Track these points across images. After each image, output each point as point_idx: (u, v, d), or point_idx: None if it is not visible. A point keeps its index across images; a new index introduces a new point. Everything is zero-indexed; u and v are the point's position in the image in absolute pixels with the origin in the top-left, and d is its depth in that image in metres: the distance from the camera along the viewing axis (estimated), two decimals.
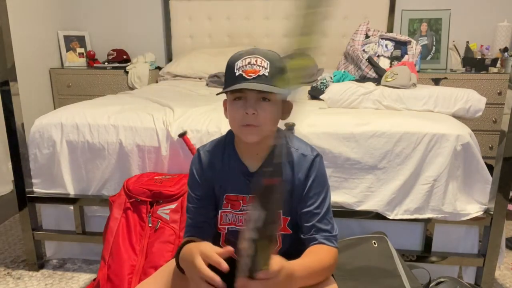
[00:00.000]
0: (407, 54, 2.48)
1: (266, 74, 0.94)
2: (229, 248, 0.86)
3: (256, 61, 0.95)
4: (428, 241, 1.67)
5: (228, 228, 1.09)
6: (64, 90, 3.47)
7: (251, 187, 1.01)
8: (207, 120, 1.72)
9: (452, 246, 1.70)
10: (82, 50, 3.68)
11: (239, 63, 0.95)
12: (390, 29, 3.35)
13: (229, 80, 0.97)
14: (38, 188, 1.85)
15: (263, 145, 1.03)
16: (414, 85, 2.01)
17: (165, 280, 1.04)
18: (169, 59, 3.64)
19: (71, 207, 1.84)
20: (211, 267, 0.86)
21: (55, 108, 2.89)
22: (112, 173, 1.77)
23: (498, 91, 2.98)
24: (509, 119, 1.54)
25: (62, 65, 3.63)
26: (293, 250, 1.02)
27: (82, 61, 3.67)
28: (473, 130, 1.64)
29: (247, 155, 1.05)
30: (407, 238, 1.70)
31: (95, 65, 3.60)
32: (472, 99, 1.84)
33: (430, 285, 1.48)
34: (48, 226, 1.92)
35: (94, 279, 1.65)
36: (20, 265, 1.95)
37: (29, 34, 3.21)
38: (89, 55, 3.68)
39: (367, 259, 1.48)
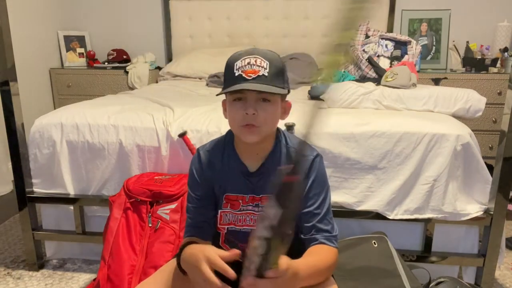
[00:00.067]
0: (407, 54, 2.48)
1: (266, 74, 0.94)
2: (235, 251, 0.86)
3: (255, 61, 0.95)
4: (428, 241, 1.67)
5: (227, 228, 1.09)
6: (64, 90, 3.47)
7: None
8: (207, 120, 1.72)
9: (452, 246, 1.70)
10: (82, 50, 3.68)
11: (238, 64, 0.95)
12: (390, 29, 3.34)
13: (229, 80, 0.97)
14: (38, 188, 1.85)
15: (263, 145, 1.03)
16: (414, 85, 2.01)
17: (165, 280, 1.04)
18: (169, 59, 3.64)
19: (71, 207, 1.84)
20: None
21: (55, 108, 2.89)
22: (112, 173, 1.77)
23: (498, 91, 2.98)
24: (509, 119, 1.54)
25: (62, 65, 3.63)
26: (292, 250, 1.02)
27: (82, 61, 3.67)
28: (473, 130, 1.64)
29: (246, 155, 1.05)
30: (407, 238, 1.70)
31: (95, 65, 3.60)
32: (472, 99, 1.84)
33: (430, 285, 1.48)
34: (48, 226, 1.92)
35: (94, 279, 1.65)
36: (20, 265, 1.95)
37: (29, 34, 3.21)
38: (89, 55, 3.68)
39: (367, 259, 1.48)
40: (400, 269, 1.45)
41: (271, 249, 0.76)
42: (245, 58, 0.95)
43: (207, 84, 2.93)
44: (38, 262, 1.91)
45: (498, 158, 1.59)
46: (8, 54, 1.70)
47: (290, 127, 1.59)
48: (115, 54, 3.59)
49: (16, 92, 1.75)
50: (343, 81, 2.18)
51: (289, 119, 1.58)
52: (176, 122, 1.72)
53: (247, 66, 0.94)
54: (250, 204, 1.06)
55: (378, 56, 2.48)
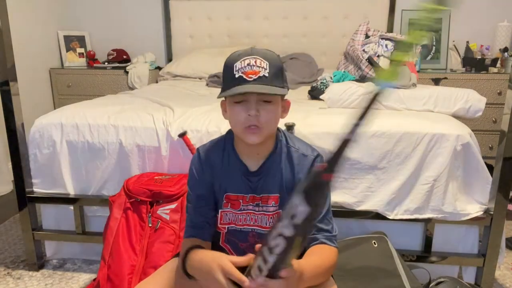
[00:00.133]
0: None
1: (266, 74, 0.94)
2: (249, 256, 0.85)
3: (255, 62, 0.94)
4: (428, 241, 1.67)
5: (228, 227, 1.09)
6: (64, 90, 3.47)
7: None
8: (207, 120, 1.72)
9: (452, 246, 1.70)
10: (82, 50, 3.68)
11: (238, 65, 0.95)
12: (390, 29, 3.35)
13: (229, 82, 0.96)
14: (38, 188, 1.85)
15: (263, 145, 1.03)
16: (414, 85, 2.01)
17: (165, 280, 1.04)
18: (169, 59, 3.64)
19: (71, 207, 1.84)
20: None
21: (55, 108, 2.88)
22: (112, 173, 1.77)
23: (498, 91, 2.98)
24: (509, 119, 1.54)
25: (62, 65, 3.63)
26: None
27: (82, 61, 3.67)
28: (473, 130, 1.64)
29: (247, 154, 1.05)
30: (407, 238, 1.70)
31: (95, 65, 3.60)
32: (472, 99, 1.84)
33: (430, 285, 1.48)
34: (48, 226, 1.92)
35: (94, 279, 1.65)
36: (20, 265, 1.95)
37: (29, 34, 3.21)
38: (89, 55, 3.68)
39: (367, 259, 1.48)
40: (400, 269, 1.45)
41: (292, 248, 0.75)
42: (245, 59, 0.95)
43: (207, 84, 2.93)
44: (38, 262, 1.91)
45: (498, 158, 1.59)
46: (8, 54, 1.70)
47: (290, 127, 1.60)
48: (115, 54, 3.59)
49: (16, 92, 1.75)
50: (343, 81, 2.18)
51: (289, 119, 1.59)
52: (176, 122, 1.72)
53: (247, 67, 0.94)
54: (251, 203, 1.06)
55: (378, 56, 2.47)
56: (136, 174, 1.72)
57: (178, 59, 3.39)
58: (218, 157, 1.07)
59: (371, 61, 2.34)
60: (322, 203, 0.73)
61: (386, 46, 2.50)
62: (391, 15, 3.34)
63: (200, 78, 3.15)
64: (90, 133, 1.76)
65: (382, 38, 2.54)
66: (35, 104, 3.05)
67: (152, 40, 3.67)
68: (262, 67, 0.94)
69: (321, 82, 2.29)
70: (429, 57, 3.36)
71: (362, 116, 0.70)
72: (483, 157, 1.63)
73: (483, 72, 3.07)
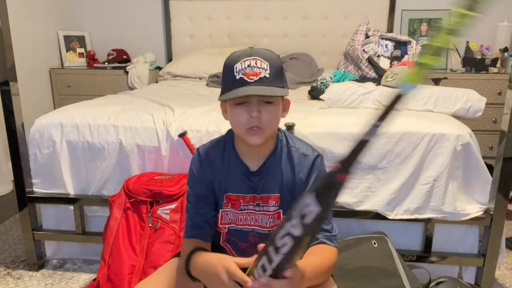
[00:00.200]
0: (407, 54, 2.48)
1: (267, 75, 0.93)
2: (254, 257, 0.85)
3: (256, 63, 0.94)
4: (428, 241, 1.67)
5: (228, 227, 1.09)
6: (64, 90, 3.47)
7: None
8: (207, 120, 1.72)
9: (452, 246, 1.70)
10: (82, 50, 3.68)
11: (238, 66, 0.94)
12: (390, 29, 3.35)
13: (229, 84, 0.96)
14: (38, 188, 1.85)
15: (264, 145, 1.03)
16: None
17: (165, 280, 1.04)
18: (169, 59, 3.64)
19: (71, 207, 1.84)
20: None
21: (55, 108, 2.88)
22: (112, 173, 1.77)
23: (498, 91, 2.98)
24: (509, 119, 1.54)
25: (62, 65, 3.63)
26: None
27: (82, 61, 3.67)
28: (473, 130, 1.64)
29: (247, 154, 1.05)
30: (407, 238, 1.70)
31: (95, 65, 3.60)
32: (472, 99, 1.84)
33: (430, 285, 1.48)
34: (48, 226, 1.92)
35: (94, 279, 1.65)
36: (20, 265, 1.95)
37: (29, 34, 3.21)
38: (89, 55, 3.68)
39: (367, 259, 1.48)
40: (400, 269, 1.45)
41: (300, 248, 0.75)
42: (245, 60, 0.94)
43: (207, 84, 2.93)
44: (38, 262, 1.91)
45: (498, 158, 1.59)
46: (8, 54, 1.70)
47: (290, 127, 1.60)
48: (115, 54, 3.59)
49: (16, 92, 1.75)
50: (343, 81, 2.18)
51: (289, 119, 1.59)
52: (176, 122, 1.72)
53: (247, 69, 0.93)
54: (251, 203, 1.06)
55: (378, 56, 2.48)
56: (136, 174, 1.72)
57: (178, 59, 3.39)
58: (218, 157, 1.07)
59: (371, 61, 2.34)
60: (332, 203, 0.73)
61: (386, 46, 2.51)
62: (391, 15, 3.34)
63: (200, 78, 3.15)
64: (90, 133, 1.76)
65: (382, 38, 2.54)
66: (35, 104, 3.05)
67: (152, 40, 3.67)
68: (262, 68, 0.94)
69: (321, 82, 2.30)
70: None
71: (382, 117, 0.68)
72: (483, 157, 1.63)
73: (483, 72, 3.07)
